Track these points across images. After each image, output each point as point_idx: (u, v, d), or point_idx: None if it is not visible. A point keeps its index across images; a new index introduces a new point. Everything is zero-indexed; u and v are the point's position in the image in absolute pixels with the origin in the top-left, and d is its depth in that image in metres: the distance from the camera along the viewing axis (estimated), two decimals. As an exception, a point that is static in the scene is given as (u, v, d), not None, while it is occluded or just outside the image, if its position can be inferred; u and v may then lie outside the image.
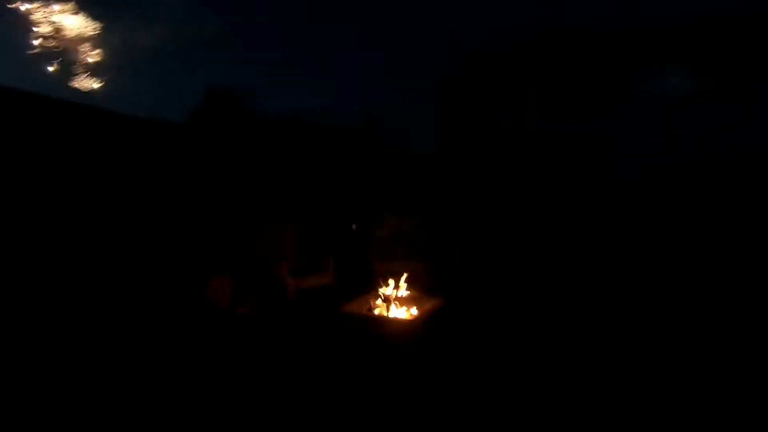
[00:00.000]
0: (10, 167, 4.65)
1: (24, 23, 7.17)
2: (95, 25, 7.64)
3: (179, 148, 6.93)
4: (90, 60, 7.74)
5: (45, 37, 7.34)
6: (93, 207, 5.12)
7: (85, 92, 7.70)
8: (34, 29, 7.24)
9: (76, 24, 7.55)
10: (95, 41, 7.74)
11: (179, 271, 4.67)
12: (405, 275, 4.31)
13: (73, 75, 7.64)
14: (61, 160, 5.18)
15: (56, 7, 7.33)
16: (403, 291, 4.24)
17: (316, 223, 5.46)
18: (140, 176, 5.78)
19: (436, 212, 5.98)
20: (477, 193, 7.46)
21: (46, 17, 7.40)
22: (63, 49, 7.50)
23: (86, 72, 7.72)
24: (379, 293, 4.18)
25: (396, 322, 3.93)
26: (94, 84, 7.73)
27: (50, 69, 7.37)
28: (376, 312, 4.08)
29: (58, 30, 7.47)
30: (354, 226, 5.52)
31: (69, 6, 7.40)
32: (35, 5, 7.17)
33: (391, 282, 4.26)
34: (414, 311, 4.08)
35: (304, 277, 4.91)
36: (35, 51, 7.31)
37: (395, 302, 4.13)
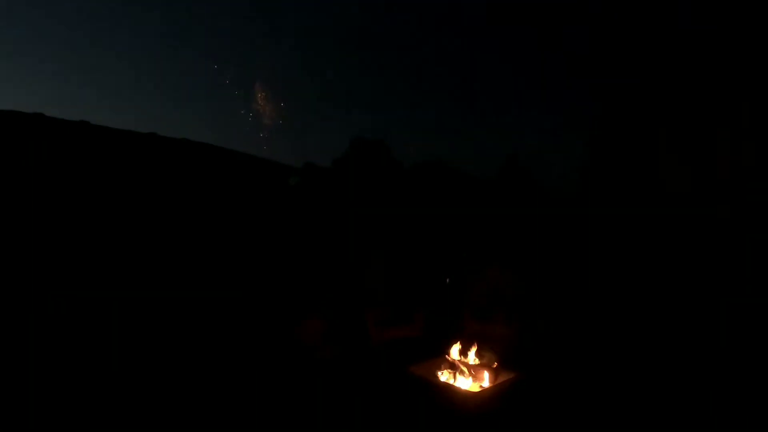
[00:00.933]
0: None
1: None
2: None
3: (321, 190, 7.96)
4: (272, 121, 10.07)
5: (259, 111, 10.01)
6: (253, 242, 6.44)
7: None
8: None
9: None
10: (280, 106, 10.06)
11: (282, 310, 5.18)
12: (476, 343, 3.93)
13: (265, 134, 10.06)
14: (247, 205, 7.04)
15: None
16: (473, 358, 3.87)
17: (410, 273, 5.43)
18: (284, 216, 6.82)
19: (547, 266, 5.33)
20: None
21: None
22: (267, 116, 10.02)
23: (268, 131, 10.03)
24: (448, 358, 3.91)
25: (457, 392, 3.60)
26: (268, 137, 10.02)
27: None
28: (443, 378, 3.82)
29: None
30: (448, 280, 5.31)
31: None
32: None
33: (463, 346, 3.94)
34: (484, 383, 3.69)
35: (391, 327, 4.90)
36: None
37: (466, 370, 3.80)
